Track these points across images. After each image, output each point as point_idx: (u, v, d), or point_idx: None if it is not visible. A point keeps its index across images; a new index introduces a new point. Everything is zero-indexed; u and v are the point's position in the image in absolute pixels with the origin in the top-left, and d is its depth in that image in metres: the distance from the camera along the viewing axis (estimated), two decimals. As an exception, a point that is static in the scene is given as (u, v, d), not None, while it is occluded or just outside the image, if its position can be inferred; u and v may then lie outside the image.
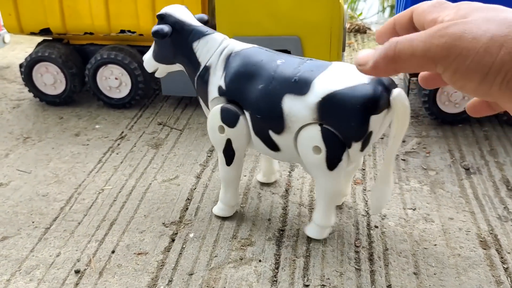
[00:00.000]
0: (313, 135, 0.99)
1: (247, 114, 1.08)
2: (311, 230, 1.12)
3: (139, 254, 1.09)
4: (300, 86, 0.99)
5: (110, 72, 1.68)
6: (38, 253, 1.09)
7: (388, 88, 0.98)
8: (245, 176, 1.37)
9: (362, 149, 1.01)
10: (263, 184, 1.33)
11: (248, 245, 1.12)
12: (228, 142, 1.12)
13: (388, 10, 3.59)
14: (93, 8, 1.64)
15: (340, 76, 0.96)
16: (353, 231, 1.16)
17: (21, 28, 1.71)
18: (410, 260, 1.07)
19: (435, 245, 1.12)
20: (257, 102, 1.05)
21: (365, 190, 1.31)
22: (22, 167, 1.43)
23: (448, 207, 1.24)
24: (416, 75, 1.72)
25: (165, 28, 1.10)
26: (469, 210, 1.23)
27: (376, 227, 1.17)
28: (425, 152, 1.49)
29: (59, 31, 1.69)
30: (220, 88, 1.10)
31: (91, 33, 1.69)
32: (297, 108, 1.00)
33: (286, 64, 1.04)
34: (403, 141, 1.55)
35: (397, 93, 0.97)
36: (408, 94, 1.70)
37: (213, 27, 1.72)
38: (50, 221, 1.20)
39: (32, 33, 1.73)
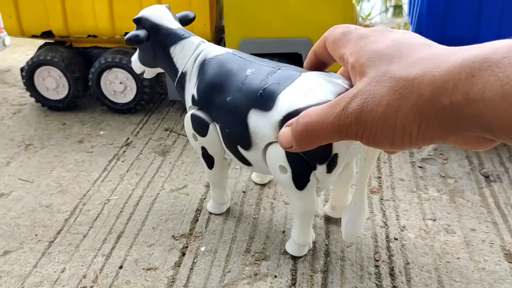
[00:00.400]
0: (278, 154, 0.92)
1: (217, 125, 1.01)
2: (289, 246, 1.08)
3: (148, 269, 1.03)
4: (265, 101, 0.91)
5: (114, 76, 1.63)
6: (42, 269, 1.04)
7: None
8: (256, 185, 1.31)
9: (329, 171, 0.93)
10: (275, 194, 1.27)
11: (262, 259, 1.06)
12: (204, 149, 1.08)
13: (391, 11, 3.54)
14: (96, 10, 1.58)
15: (305, 91, 0.86)
16: (371, 243, 1.11)
17: (22, 31, 1.66)
18: (432, 275, 1.02)
19: (458, 258, 1.06)
20: (225, 115, 0.98)
21: (382, 199, 1.26)
22: (24, 176, 1.38)
23: (469, 217, 1.19)
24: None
25: (140, 34, 1.04)
26: (491, 221, 1.18)
27: (396, 239, 1.12)
28: (442, 159, 1.44)
29: (61, 34, 1.64)
30: (193, 97, 1.05)
31: (94, 36, 1.63)
32: (262, 125, 0.92)
33: (254, 75, 0.95)
34: (419, 147, 1.50)
35: None
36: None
37: (222, 28, 1.67)
38: (54, 234, 1.15)
39: (34, 36, 1.67)
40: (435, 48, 0.50)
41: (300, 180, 0.93)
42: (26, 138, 1.58)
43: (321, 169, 0.92)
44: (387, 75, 0.50)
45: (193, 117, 1.04)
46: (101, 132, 1.60)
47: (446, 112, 0.44)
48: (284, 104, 0.88)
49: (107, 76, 1.64)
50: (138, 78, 1.61)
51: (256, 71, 0.95)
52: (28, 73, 1.66)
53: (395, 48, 0.53)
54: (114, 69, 1.62)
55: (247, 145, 0.96)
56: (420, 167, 1.40)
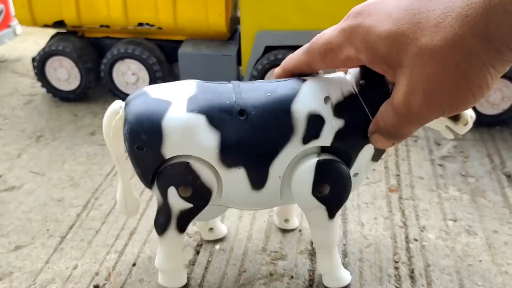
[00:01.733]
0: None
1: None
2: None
3: (162, 267, 1.01)
4: None
5: (127, 67, 1.60)
6: (54, 265, 1.02)
7: None
8: (271, 181, 1.29)
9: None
10: (291, 191, 1.24)
11: (278, 258, 1.04)
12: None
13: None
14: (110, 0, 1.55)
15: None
16: (390, 244, 1.08)
17: (34, 20, 1.63)
18: (454, 278, 0.99)
19: (480, 261, 1.03)
20: None
21: (400, 198, 1.23)
22: (35, 169, 1.36)
23: (491, 218, 1.16)
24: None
25: None
26: (514, 222, 1.14)
27: (416, 240, 1.09)
28: (463, 157, 1.40)
29: (74, 24, 1.61)
30: None
31: (107, 26, 1.60)
32: None
33: None
34: (438, 144, 1.47)
35: None
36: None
37: (237, 19, 1.64)
38: (66, 229, 1.13)
39: (46, 26, 1.65)
40: None
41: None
42: (38, 129, 1.56)
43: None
44: (424, 53, 0.47)
45: None
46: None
47: (501, 52, 0.43)
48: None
49: (120, 67, 1.61)
50: (151, 69, 1.59)
51: None
52: (40, 63, 1.64)
53: (403, 19, 0.49)
54: (126, 60, 1.59)
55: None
56: (440, 165, 1.37)
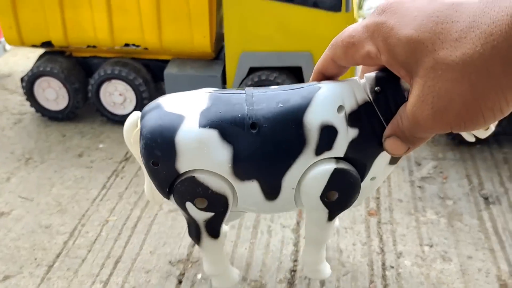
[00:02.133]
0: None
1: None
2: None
3: (145, 298, 1.05)
4: None
5: (114, 88, 1.63)
6: (41, 297, 1.05)
7: None
8: (254, 205, 1.32)
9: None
10: (273, 216, 1.28)
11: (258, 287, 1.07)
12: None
13: None
14: (96, 21, 1.57)
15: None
16: (367, 272, 1.11)
17: (22, 41, 1.65)
18: (427, 306, 1.02)
19: (454, 288, 1.07)
20: None
21: (379, 222, 1.26)
22: (24, 193, 1.38)
23: (467, 243, 1.19)
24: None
25: None
26: (488, 248, 1.18)
27: (392, 267, 1.12)
28: (442, 178, 1.43)
29: (61, 44, 1.63)
30: None
31: (94, 46, 1.62)
32: None
33: None
34: (419, 164, 1.50)
35: None
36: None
37: (222, 35, 1.65)
38: (53, 258, 1.16)
39: (34, 46, 1.67)
40: (464, 6, 0.45)
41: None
42: (27, 151, 1.59)
43: None
44: (440, 67, 0.45)
45: None
46: (101, 145, 1.61)
47: None
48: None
49: (107, 87, 1.63)
50: (137, 90, 1.61)
51: None
52: (28, 84, 1.66)
53: (425, 26, 0.47)
54: (113, 81, 1.61)
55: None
56: (419, 186, 1.40)
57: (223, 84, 1.60)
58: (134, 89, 1.61)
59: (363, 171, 0.69)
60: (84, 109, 1.79)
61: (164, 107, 0.67)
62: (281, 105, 0.64)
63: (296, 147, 0.65)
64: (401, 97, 0.61)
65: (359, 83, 0.66)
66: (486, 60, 0.41)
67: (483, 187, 1.39)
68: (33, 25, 1.62)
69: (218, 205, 0.72)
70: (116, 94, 1.63)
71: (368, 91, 0.64)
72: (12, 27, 1.62)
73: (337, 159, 0.67)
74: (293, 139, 0.64)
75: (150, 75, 1.65)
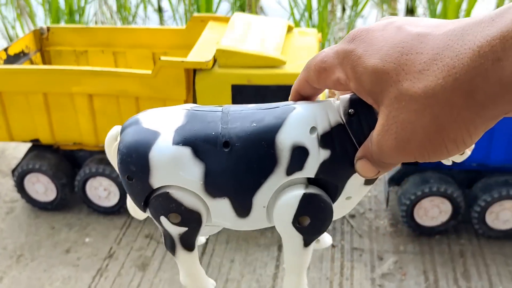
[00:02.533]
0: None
1: None
2: None
3: None
4: None
5: (99, 183, 1.74)
6: None
7: None
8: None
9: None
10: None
11: None
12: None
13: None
14: (80, 122, 1.69)
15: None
16: None
17: (11, 138, 1.77)
18: None
19: None
20: None
21: (340, 328, 1.38)
22: (15, 297, 1.50)
23: None
24: (396, 183, 1.76)
25: None
26: None
27: None
28: (401, 274, 1.55)
29: (48, 142, 1.75)
30: None
31: (80, 143, 1.74)
32: None
33: None
34: (381, 259, 1.61)
35: None
36: (387, 204, 1.75)
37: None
38: None
39: (23, 141, 1.78)
40: (429, 38, 0.46)
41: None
42: (18, 246, 1.70)
43: None
44: (404, 98, 0.46)
45: None
46: (87, 240, 1.72)
47: (485, 107, 0.41)
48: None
49: (92, 183, 1.75)
50: (121, 186, 1.72)
51: None
52: (19, 179, 1.78)
53: (390, 57, 0.48)
54: (98, 178, 1.73)
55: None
56: (380, 285, 1.52)
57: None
58: (117, 185, 1.73)
59: (334, 193, 0.71)
60: (72, 198, 1.90)
61: (142, 123, 0.68)
62: (255, 125, 0.66)
63: (267, 166, 0.66)
64: (374, 120, 0.62)
65: (333, 105, 0.68)
66: (448, 93, 0.42)
67: (437, 284, 1.51)
68: (22, 125, 1.73)
69: (191, 221, 0.71)
70: (101, 189, 1.75)
71: (342, 113, 0.67)
72: (1, 127, 1.73)
73: (307, 183, 0.69)
74: (264, 158, 0.66)
75: (133, 169, 1.77)
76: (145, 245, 1.70)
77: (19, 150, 2.22)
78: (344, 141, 0.66)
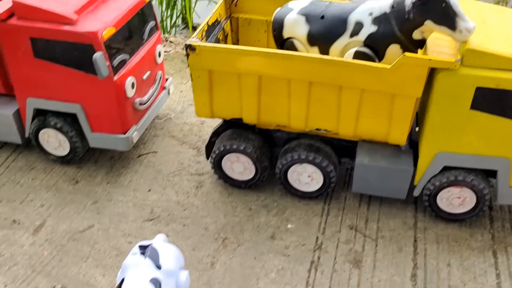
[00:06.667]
0: None
1: None
2: None
3: None
4: None
5: (303, 169, 1.73)
6: None
7: None
8: None
9: None
10: None
11: None
12: None
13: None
14: (292, 108, 1.68)
15: None
16: None
17: (212, 115, 1.78)
18: None
19: None
20: None
21: None
22: (233, 286, 1.49)
23: None
24: None
25: None
26: None
27: None
28: None
29: (251, 123, 1.75)
30: None
31: (283, 126, 1.70)
32: None
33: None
34: None
35: None
36: None
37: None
38: None
39: (222, 118, 1.77)
40: None
41: None
42: (220, 227, 1.70)
43: None
44: None
45: None
46: (289, 226, 1.69)
47: None
48: None
49: (296, 168, 1.71)
50: (327, 174, 1.68)
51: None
52: (218, 156, 1.76)
53: None
54: (304, 164, 1.69)
55: None
56: None
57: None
58: (323, 173, 1.68)
59: (377, 54, 1.84)
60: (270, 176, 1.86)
61: (289, 5, 2.13)
62: (340, 9, 2.08)
63: (340, 30, 2.02)
64: (403, 14, 1.82)
65: (389, 2, 1.88)
66: None
67: None
68: (226, 104, 1.70)
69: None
70: (304, 175, 1.71)
71: (389, 7, 1.89)
72: (205, 104, 1.69)
73: (362, 46, 1.94)
74: (340, 26, 2.02)
75: (336, 156, 1.71)
76: (352, 238, 1.65)
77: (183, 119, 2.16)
78: (387, 23, 1.91)
